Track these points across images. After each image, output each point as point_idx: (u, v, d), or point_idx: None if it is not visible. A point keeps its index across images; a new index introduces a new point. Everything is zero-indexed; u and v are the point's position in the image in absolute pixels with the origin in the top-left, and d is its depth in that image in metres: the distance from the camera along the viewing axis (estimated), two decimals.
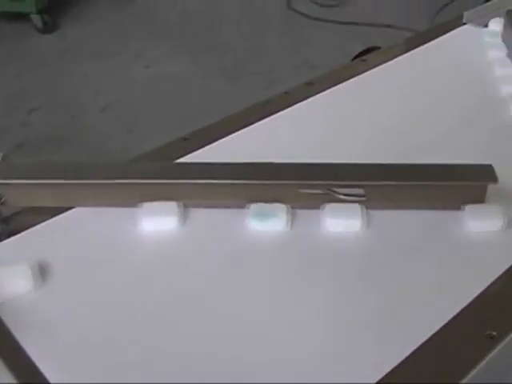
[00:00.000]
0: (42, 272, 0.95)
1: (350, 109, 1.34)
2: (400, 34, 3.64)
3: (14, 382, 0.81)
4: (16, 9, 4.08)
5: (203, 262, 0.98)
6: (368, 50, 1.82)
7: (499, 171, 1.05)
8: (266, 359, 0.84)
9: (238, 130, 1.25)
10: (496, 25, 1.62)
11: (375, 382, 0.81)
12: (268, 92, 1.40)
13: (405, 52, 1.55)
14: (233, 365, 0.83)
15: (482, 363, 0.84)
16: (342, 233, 1.03)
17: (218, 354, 0.85)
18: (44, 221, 1.05)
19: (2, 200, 1.05)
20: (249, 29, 4.14)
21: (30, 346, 0.85)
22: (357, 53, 1.94)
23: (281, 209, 1.04)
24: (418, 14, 4.10)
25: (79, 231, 1.04)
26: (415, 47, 1.57)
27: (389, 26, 4.02)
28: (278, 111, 1.31)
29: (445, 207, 1.06)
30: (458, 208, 1.05)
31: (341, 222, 1.03)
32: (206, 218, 1.05)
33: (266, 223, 1.03)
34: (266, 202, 1.05)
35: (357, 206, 1.04)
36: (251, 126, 1.26)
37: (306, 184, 1.05)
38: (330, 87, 1.39)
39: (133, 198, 1.05)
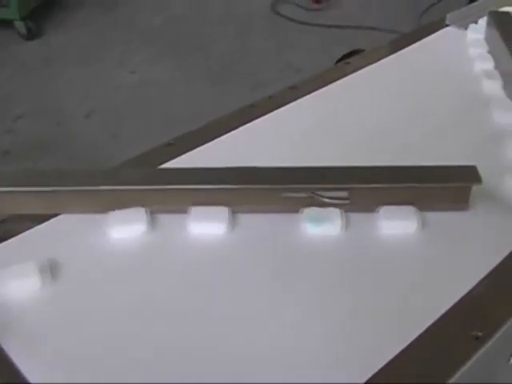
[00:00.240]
0: None
1: (334, 112, 1.34)
2: (385, 36, 3.65)
3: None
4: None
5: (256, 267, 0.99)
6: (352, 53, 1.83)
7: (483, 172, 1.06)
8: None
9: (222, 134, 1.25)
10: (479, 26, 1.63)
11: (363, 382, 0.81)
12: (253, 96, 1.40)
13: (388, 54, 1.55)
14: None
15: (469, 363, 0.84)
16: (397, 235, 1.04)
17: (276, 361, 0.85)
18: (30, 228, 1.05)
19: None
20: (233, 33, 4.14)
21: (15, 354, 0.85)
22: (341, 56, 1.95)
23: (335, 213, 1.04)
24: (403, 16, 4.11)
25: (66, 238, 1.03)
26: (398, 49, 1.57)
27: (374, 29, 4.03)
28: (262, 115, 1.31)
29: (429, 209, 1.06)
30: (441, 209, 1.06)
31: (396, 224, 1.04)
32: (253, 222, 1.06)
33: (322, 227, 1.03)
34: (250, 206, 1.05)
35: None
36: (235, 131, 1.26)
37: (289, 188, 1.05)
38: (313, 91, 1.39)
39: (119, 204, 1.05)
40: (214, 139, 1.24)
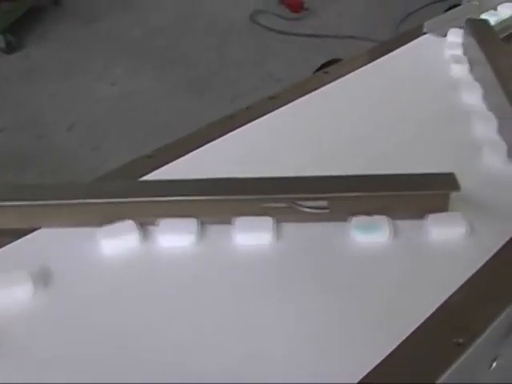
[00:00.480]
0: None
1: (312, 121, 1.34)
2: (365, 44, 3.66)
3: None
4: None
5: (299, 275, 0.99)
6: (330, 62, 1.83)
7: (462, 179, 1.06)
8: None
9: (201, 145, 1.25)
10: (456, 33, 1.64)
11: None
12: (234, 106, 1.41)
13: (366, 63, 1.56)
14: None
15: (450, 370, 0.85)
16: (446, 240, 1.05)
17: None
18: (10, 242, 1.05)
19: None
20: (213, 44, 4.14)
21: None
22: (319, 65, 1.95)
23: (383, 221, 1.05)
24: (382, 25, 4.12)
25: (45, 252, 1.03)
26: (376, 58, 1.58)
27: (353, 37, 4.05)
28: (240, 126, 1.31)
29: (409, 217, 1.07)
30: (421, 217, 1.06)
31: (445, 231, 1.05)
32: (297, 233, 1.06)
33: (371, 235, 1.04)
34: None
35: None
36: (214, 142, 1.26)
37: (269, 198, 1.05)
38: (292, 100, 1.39)
39: (98, 218, 1.05)
40: (193, 150, 1.24)
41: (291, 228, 1.06)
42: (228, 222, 1.05)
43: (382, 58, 1.57)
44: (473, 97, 1.40)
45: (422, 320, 0.91)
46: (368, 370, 0.84)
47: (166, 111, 3.45)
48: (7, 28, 4.10)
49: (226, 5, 4.61)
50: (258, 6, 4.55)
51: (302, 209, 1.04)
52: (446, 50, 1.58)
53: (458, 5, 1.84)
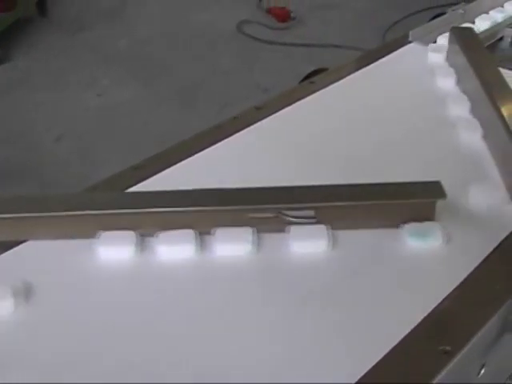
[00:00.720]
0: None
1: (299, 131, 1.35)
2: (352, 53, 3.67)
3: None
4: None
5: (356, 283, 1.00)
6: (316, 72, 1.84)
7: (447, 188, 1.07)
8: None
9: (188, 156, 1.25)
10: (441, 42, 1.65)
11: None
12: (221, 117, 1.41)
13: (352, 72, 1.56)
14: None
15: (438, 378, 0.85)
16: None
17: None
18: None
19: None
20: (200, 54, 4.14)
21: None
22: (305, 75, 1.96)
23: (436, 227, 1.05)
24: (369, 33, 4.14)
25: (33, 265, 1.03)
26: (362, 67, 1.58)
27: (339, 47, 4.05)
28: (228, 136, 1.31)
29: (394, 225, 1.07)
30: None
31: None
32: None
33: (425, 242, 1.04)
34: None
35: None
36: (201, 152, 1.26)
37: (256, 208, 1.06)
38: (278, 110, 1.40)
39: (87, 229, 1.05)
40: (182, 160, 1.24)
41: (274, 238, 1.06)
42: (208, 233, 1.05)
43: (367, 67, 1.58)
44: (459, 106, 1.40)
45: (408, 329, 0.91)
46: (354, 382, 0.84)
47: (153, 121, 3.44)
48: None
49: (213, 15, 4.61)
50: (245, 16, 4.55)
51: (289, 219, 1.05)
52: (430, 59, 1.59)
53: (444, 13, 1.85)
